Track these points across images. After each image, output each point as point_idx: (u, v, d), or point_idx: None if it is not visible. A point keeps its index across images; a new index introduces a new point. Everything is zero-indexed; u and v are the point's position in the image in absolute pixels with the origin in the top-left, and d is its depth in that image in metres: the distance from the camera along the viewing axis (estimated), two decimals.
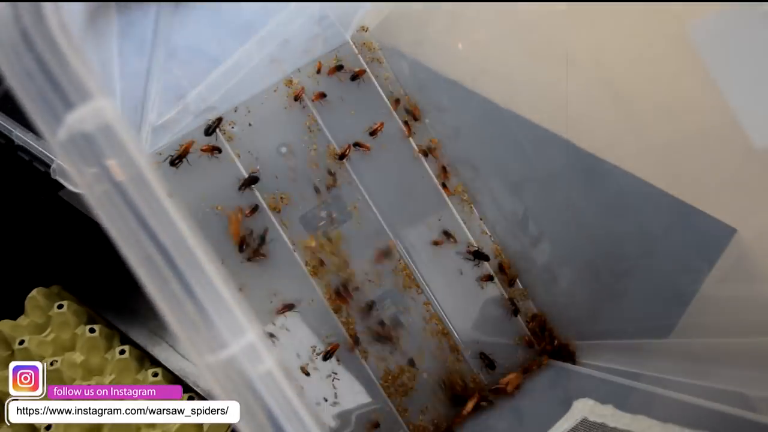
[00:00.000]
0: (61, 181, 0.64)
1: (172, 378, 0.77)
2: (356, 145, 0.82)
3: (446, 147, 0.85)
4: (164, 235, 0.25)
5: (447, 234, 0.83)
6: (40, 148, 0.66)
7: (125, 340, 0.78)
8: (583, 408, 0.57)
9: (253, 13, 0.74)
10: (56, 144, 0.26)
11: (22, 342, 0.72)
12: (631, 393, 0.59)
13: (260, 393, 0.24)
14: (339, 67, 0.83)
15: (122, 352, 0.75)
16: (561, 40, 0.65)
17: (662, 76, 0.60)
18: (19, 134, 0.66)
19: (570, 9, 0.62)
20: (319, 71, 0.83)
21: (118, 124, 0.26)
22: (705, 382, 0.52)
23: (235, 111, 0.80)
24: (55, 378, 0.72)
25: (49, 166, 0.66)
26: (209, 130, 0.78)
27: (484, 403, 0.76)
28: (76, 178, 0.27)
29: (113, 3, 0.37)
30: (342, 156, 0.82)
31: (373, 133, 0.83)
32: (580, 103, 0.68)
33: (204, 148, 0.77)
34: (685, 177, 0.62)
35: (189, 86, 0.72)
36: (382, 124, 0.83)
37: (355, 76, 0.84)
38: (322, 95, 0.82)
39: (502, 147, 0.79)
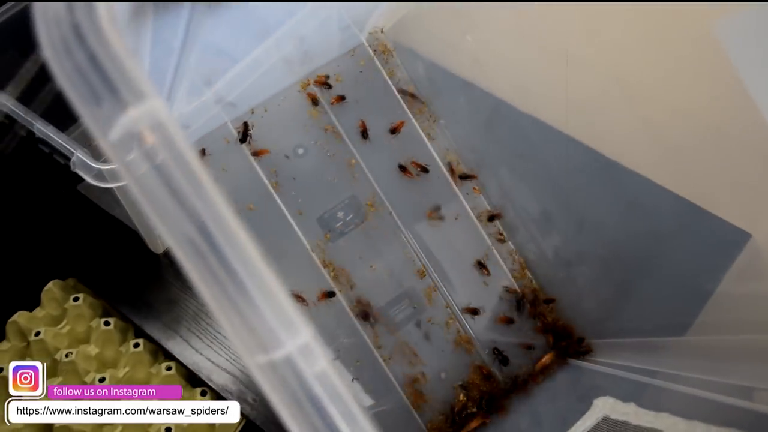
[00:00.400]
0: (81, 174, 0.64)
1: (186, 372, 0.77)
2: (401, 167, 0.83)
3: (461, 147, 0.85)
4: (219, 235, 0.25)
5: (481, 264, 0.83)
6: (61, 141, 0.66)
7: (140, 333, 0.79)
8: (604, 406, 0.57)
9: (269, 13, 0.74)
10: (107, 145, 0.26)
11: (38, 333, 0.72)
12: (651, 391, 0.59)
13: (315, 394, 0.24)
14: (328, 86, 0.83)
15: (136, 345, 0.75)
16: (574, 41, 0.65)
17: (679, 78, 0.60)
18: (39, 126, 0.66)
19: (584, 10, 0.62)
20: (327, 78, 0.83)
21: (171, 125, 0.26)
22: (727, 379, 0.53)
23: (252, 113, 0.80)
24: (69, 370, 0.72)
25: (68, 159, 0.65)
26: (243, 137, 0.78)
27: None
28: (125, 177, 0.27)
29: (151, 3, 0.37)
30: (364, 134, 0.82)
31: (393, 131, 0.83)
32: (595, 105, 0.68)
33: (259, 151, 0.79)
34: (699, 181, 0.62)
35: (207, 84, 0.72)
36: (402, 122, 0.84)
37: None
38: (341, 98, 0.82)
39: (518, 148, 0.79)
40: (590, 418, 0.58)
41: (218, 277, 0.25)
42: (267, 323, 0.25)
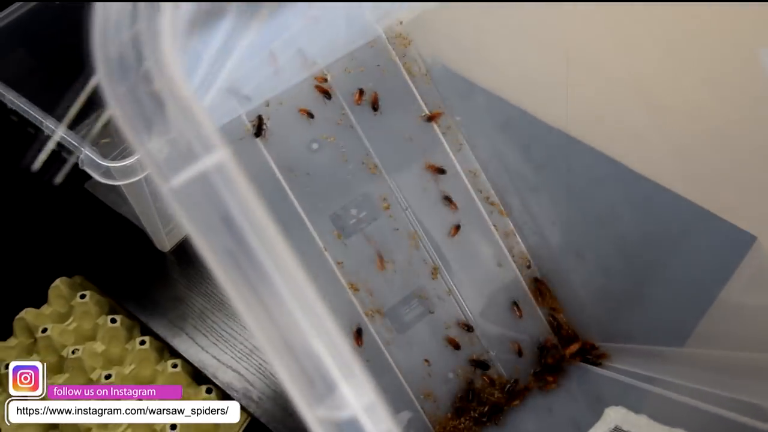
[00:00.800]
0: (89, 171, 0.63)
1: (192, 370, 0.77)
2: (446, 198, 0.81)
3: (475, 148, 0.84)
4: (283, 286, 0.25)
5: (516, 305, 0.81)
6: (69, 139, 0.64)
7: (146, 330, 0.79)
8: (616, 416, 0.57)
9: (285, 6, 0.72)
10: (169, 191, 0.26)
11: (44, 330, 0.72)
12: (661, 401, 0.58)
13: None
14: (327, 96, 0.80)
15: (142, 342, 0.75)
16: (587, 46, 0.65)
17: (686, 81, 0.60)
18: (48, 124, 0.65)
19: (600, 13, 0.61)
20: (325, 80, 0.81)
21: (237, 174, 0.25)
22: (738, 395, 0.52)
23: (267, 105, 0.78)
24: (75, 367, 0.72)
25: (77, 156, 0.64)
26: (257, 131, 0.76)
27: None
28: (184, 221, 0.26)
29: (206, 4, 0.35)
30: (374, 106, 0.80)
31: (430, 119, 0.82)
32: (603, 107, 0.68)
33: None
34: (706, 183, 0.63)
35: (222, 79, 0.70)
36: (439, 113, 0.82)
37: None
38: (362, 93, 0.80)
39: (528, 151, 0.79)
40: (601, 428, 0.58)
41: (281, 329, 0.25)
42: (329, 378, 0.25)
